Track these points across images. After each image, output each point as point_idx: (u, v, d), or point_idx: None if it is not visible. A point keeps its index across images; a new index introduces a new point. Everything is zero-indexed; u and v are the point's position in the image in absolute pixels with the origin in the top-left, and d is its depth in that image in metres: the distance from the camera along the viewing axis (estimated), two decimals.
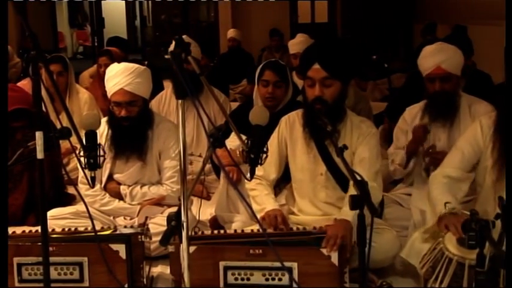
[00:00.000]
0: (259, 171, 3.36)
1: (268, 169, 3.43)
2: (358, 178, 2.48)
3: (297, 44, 6.26)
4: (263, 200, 3.33)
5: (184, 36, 2.47)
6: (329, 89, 3.21)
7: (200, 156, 4.98)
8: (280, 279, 2.93)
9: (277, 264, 2.84)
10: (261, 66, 4.27)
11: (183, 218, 2.37)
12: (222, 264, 2.95)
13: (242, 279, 2.95)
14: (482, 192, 3.10)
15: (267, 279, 2.94)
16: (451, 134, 3.73)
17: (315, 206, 3.40)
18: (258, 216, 3.09)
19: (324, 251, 2.92)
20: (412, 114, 3.96)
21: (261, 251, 2.93)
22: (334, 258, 2.91)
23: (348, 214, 2.94)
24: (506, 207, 2.29)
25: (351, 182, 2.53)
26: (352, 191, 2.49)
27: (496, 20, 6.99)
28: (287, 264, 2.88)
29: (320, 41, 3.69)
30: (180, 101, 2.28)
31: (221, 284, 2.95)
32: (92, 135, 2.71)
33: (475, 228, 2.21)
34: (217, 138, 2.35)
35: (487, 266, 2.22)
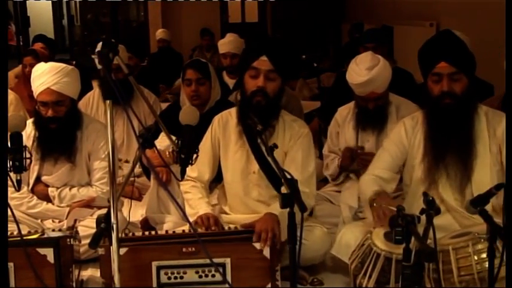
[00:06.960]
0: (193, 172, 3.35)
1: (202, 170, 3.43)
2: (288, 176, 2.50)
3: (226, 43, 6.26)
4: (196, 204, 3.31)
5: None
6: (271, 83, 3.23)
7: (127, 162, 4.90)
8: (213, 276, 2.94)
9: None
10: (183, 66, 4.30)
11: (113, 219, 2.35)
12: (154, 264, 2.93)
13: (175, 277, 2.94)
14: (409, 191, 3.18)
15: (200, 276, 2.94)
16: (380, 136, 3.81)
17: (246, 204, 3.41)
18: (191, 219, 3.08)
19: (257, 245, 2.94)
20: (343, 116, 4.06)
21: (193, 248, 2.93)
22: (266, 251, 2.94)
23: (275, 209, 2.97)
24: (432, 204, 2.36)
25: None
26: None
27: (421, 21, 7.21)
28: (220, 259, 2.91)
29: (269, 37, 3.74)
30: (108, 102, 2.25)
31: (154, 284, 2.93)
32: (17, 137, 2.65)
33: (402, 224, 2.27)
34: (146, 138, 2.34)
35: (413, 260, 2.29)
